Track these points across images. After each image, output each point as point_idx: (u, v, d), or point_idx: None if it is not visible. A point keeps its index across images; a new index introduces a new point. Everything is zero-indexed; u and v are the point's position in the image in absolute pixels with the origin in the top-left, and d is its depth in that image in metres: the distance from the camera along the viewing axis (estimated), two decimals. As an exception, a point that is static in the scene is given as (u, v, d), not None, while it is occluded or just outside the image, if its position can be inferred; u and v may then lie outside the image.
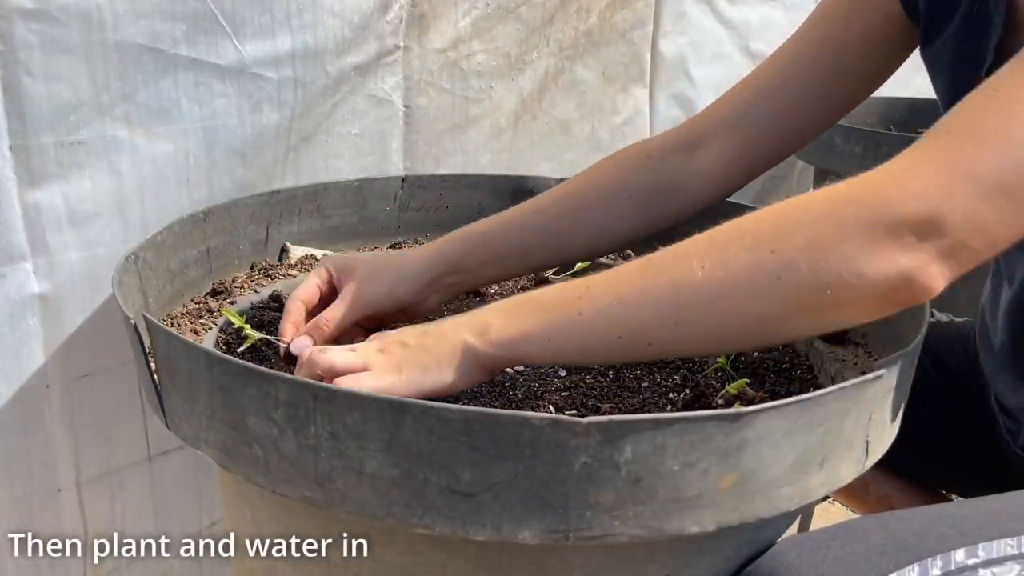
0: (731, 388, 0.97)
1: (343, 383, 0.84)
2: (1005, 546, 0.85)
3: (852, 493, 1.45)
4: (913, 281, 0.75)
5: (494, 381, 1.01)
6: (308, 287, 1.08)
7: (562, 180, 1.43)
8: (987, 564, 0.84)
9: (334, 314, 1.04)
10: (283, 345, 1.02)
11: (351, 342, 0.94)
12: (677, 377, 1.06)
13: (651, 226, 1.18)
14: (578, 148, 2.01)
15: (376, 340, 0.91)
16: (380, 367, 0.86)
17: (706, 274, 0.78)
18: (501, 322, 0.85)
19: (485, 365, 0.86)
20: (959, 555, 0.83)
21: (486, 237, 1.13)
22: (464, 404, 0.93)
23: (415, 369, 0.86)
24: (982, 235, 0.74)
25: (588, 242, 1.17)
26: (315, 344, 1.00)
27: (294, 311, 1.06)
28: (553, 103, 1.92)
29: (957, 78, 1.06)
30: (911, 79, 3.18)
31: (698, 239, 0.81)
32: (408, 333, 0.90)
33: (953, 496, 1.40)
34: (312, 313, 1.07)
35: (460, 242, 1.12)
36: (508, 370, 1.05)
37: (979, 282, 1.24)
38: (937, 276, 0.75)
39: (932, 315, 1.13)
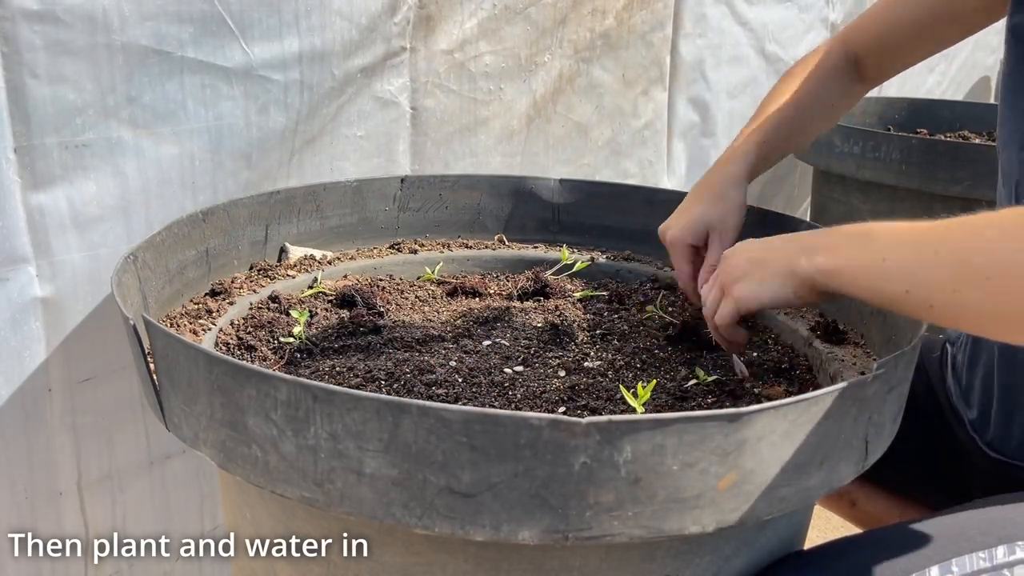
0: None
1: (717, 318, 1.05)
2: (977, 560, 0.86)
3: (836, 506, 1.46)
4: None
5: (493, 381, 1.01)
6: (685, 269, 1.27)
7: (562, 181, 1.44)
8: None
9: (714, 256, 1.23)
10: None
11: None
12: (677, 377, 1.05)
13: (826, 129, 1.47)
14: (597, 152, 2.01)
15: (720, 273, 1.07)
16: (728, 292, 1.03)
17: (992, 248, 0.79)
18: (825, 249, 0.94)
19: (814, 287, 0.94)
20: (934, 572, 0.86)
21: (774, 148, 1.34)
22: (463, 404, 0.93)
23: (752, 285, 1.00)
24: None
25: (801, 147, 1.43)
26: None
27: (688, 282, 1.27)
28: (569, 106, 1.92)
29: None
30: (922, 80, 3.19)
31: (996, 214, 0.82)
32: (743, 257, 1.04)
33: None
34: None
35: (757, 148, 1.31)
36: (507, 370, 1.05)
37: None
38: None
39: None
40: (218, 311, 1.17)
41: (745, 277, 1.01)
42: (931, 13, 1.28)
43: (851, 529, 1.41)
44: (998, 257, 0.78)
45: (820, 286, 0.94)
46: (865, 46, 1.37)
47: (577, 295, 1.34)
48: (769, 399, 0.97)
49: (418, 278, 1.40)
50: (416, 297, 1.30)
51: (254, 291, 1.25)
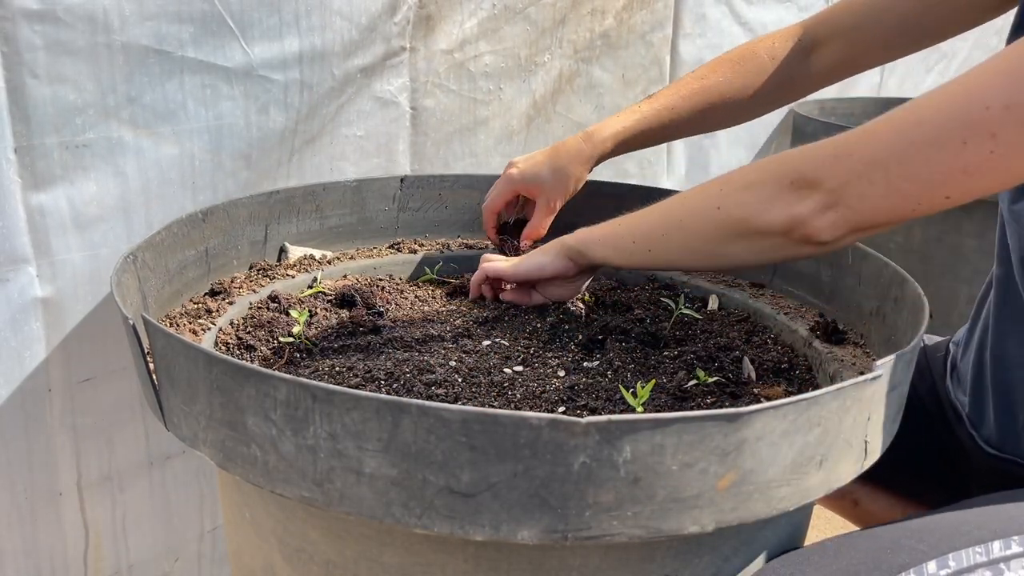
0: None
1: (490, 265, 1.27)
2: (974, 554, 0.86)
3: (837, 506, 1.47)
4: (803, 224, 0.94)
5: (493, 381, 1.01)
6: (497, 197, 1.43)
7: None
8: (958, 573, 0.85)
9: (541, 223, 1.42)
10: (495, 243, 1.46)
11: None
12: (676, 377, 1.05)
13: (761, 113, 1.45)
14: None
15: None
16: (509, 262, 1.26)
17: (682, 201, 1.08)
18: (585, 230, 1.17)
19: (567, 253, 1.18)
20: (931, 567, 0.85)
21: (634, 133, 1.40)
22: (463, 404, 0.93)
23: (524, 258, 1.23)
24: (857, 199, 0.91)
25: (708, 129, 1.47)
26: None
27: (490, 218, 1.45)
28: (569, 105, 1.92)
29: None
30: (921, 80, 3.19)
31: (700, 184, 1.08)
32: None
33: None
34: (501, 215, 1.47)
35: (614, 138, 1.39)
36: (507, 370, 1.05)
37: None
38: (822, 225, 0.93)
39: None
40: (218, 311, 1.17)
41: (522, 258, 1.24)
42: (920, 4, 1.27)
43: (852, 529, 1.41)
44: (689, 206, 1.06)
45: (576, 253, 1.17)
46: (829, 33, 1.35)
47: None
48: (769, 399, 0.97)
49: (419, 279, 1.40)
50: (416, 297, 1.30)
51: (254, 291, 1.25)
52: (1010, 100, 0.82)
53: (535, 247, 1.30)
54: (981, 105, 0.83)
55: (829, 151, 0.93)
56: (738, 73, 1.39)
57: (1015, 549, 0.87)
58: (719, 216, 1.01)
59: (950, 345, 1.35)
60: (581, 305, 1.28)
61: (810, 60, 1.37)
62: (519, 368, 1.06)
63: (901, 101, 2.60)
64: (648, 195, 1.45)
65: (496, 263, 1.26)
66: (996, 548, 0.87)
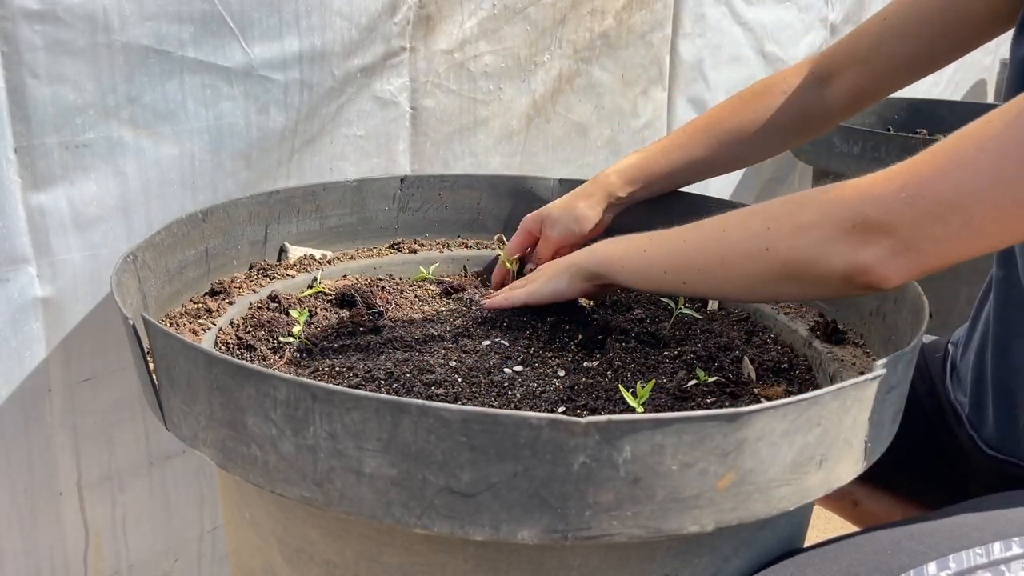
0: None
1: (504, 295, 1.24)
2: (974, 555, 0.86)
3: (838, 506, 1.47)
4: (869, 271, 0.87)
5: (493, 381, 1.01)
6: (515, 245, 1.39)
7: (562, 181, 1.44)
8: (959, 575, 0.85)
9: (540, 257, 1.37)
10: (495, 287, 1.38)
11: None
12: (676, 377, 1.06)
13: (779, 151, 1.43)
14: (597, 152, 2.02)
15: (534, 272, 1.27)
16: (525, 287, 1.23)
17: (724, 236, 1.00)
18: (604, 248, 1.14)
19: (583, 276, 1.15)
20: (931, 568, 0.85)
21: (644, 172, 1.39)
22: (463, 404, 0.93)
23: (540, 282, 1.20)
24: (931, 243, 0.85)
25: (724, 168, 1.42)
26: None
27: (500, 266, 1.40)
28: (569, 106, 1.93)
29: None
30: (922, 80, 3.19)
31: (733, 213, 1.02)
32: (551, 263, 1.24)
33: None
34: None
35: (621, 176, 1.39)
36: (507, 370, 1.05)
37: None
38: (891, 271, 0.87)
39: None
40: (218, 311, 1.17)
41: (535, 280, 1.22)
42: (932, 25, 1.24)
43: (852, 530, 1.41)
44: (731, 242, 0.99)
45: (593, 276, 1.14)
46: (845, 63, 1.33)
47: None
48: (768, 399, 0.97)
49: (417, 280, 1.40)
50: (416, 297, 1.31)
51: (254, 291, 1.25)
52: None
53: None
54: None
55: (897, 192, 0.85)
56: (749, 109, 1.37)
57: (1016, 551, 0.87)
58: (768, 257, 0.95)
59: (948, 345, 1.35)
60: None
61: (826, 92, 1.34)
62: (519, 368, 1.06)
63: (900, 102, 2.59)
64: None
65: (513, 295, 1.22)
66: (996, 549, 0.87)
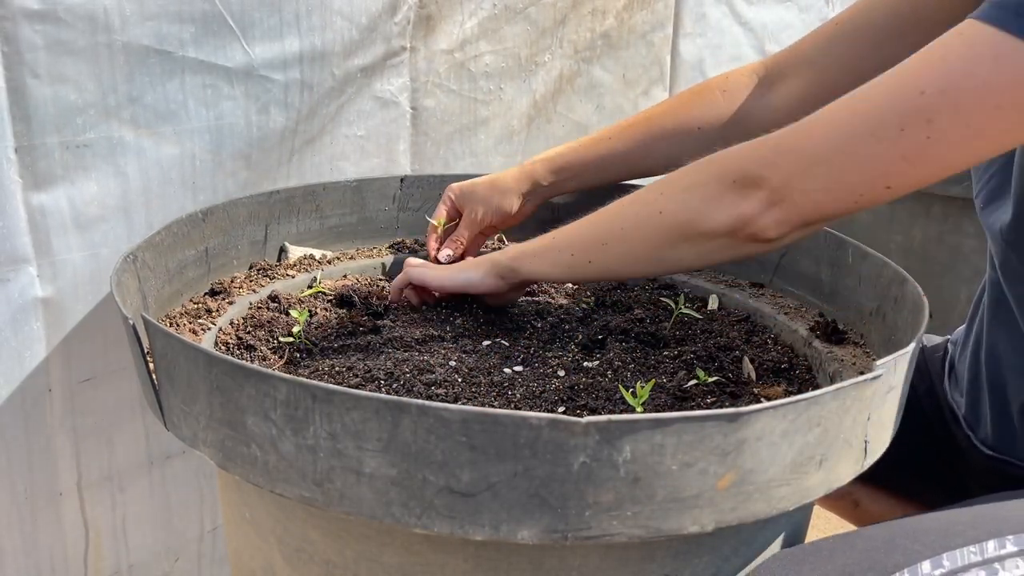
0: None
1: (402, 274, 1.23)
2: (968, 554, 0.86)
3: (838, 507, 1.47)
4: (748, 223, 0.95)
5: (493, 381, 1.01)
6: (437, 213, 1.39)
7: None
8: (953, 573, 0.85)
9: (461, 233, 1.38)
10: (432, 254, 1.37)
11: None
12: (676, 377, 1.06)
13: (712, 151, 1.33)
14: (597, 151, 2.01)
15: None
16: (438, 270, 1.22)
17: (622, 208, 1.06)
18: (517, 247, 1.16)
19: (498, 271, 1.16)
20: (925, 567, 0.85)
21: (568, 161, 1.38)
22: (463, 404, 0.93)
23: (454, 270, 1.20)
24: (800, 195, 0.93)
25: (656, 166, 1.35)
26: (454, 253, 1.36)
27: (432, 231, 1.39)
28: (570, 105, 1.92)
29: None
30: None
31: (638, 190, 1.09)
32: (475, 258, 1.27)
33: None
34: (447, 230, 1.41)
35: (545, 164, 1.38)
36: (507, 370, 1.05)
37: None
38: (768, 221, 0.94)
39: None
40: (218, 311, 1.17)
41: (451, 268, 1.22)
42: (886, 30, 1.23)
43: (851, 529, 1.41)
44: (628, 213, 1.05)
45: (507, 271, 1.15)
46: (793, 66, 1.30)
47: (577, 295, 1.34)
48: (768, 399, 0.97)
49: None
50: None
51: (254, 291, 1.25)
52: (945, 85, 0.85)
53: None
54: (916, 91, 0.86)
55: (770, 148, 0.93)
56: (685, 107, 1.35)
57: (1010, 548, 0.87)
58: (662, 221, 1.01)
59: (948, 345, 1.35)
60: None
61: (770, 95, 1.31)
62: (519, 368, 1.06)
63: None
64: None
65: (424, 270, 1.22)
66: (991, 548, 0.87)
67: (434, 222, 1.38)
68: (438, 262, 1.35)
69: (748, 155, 0.95)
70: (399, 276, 1.25)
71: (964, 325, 1.30)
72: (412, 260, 1.28)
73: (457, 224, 1.39)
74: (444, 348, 1.10)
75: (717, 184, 0.96)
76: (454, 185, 1.39)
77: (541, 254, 1.13)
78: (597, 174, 1.39)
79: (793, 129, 0.93)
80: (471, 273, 1.19)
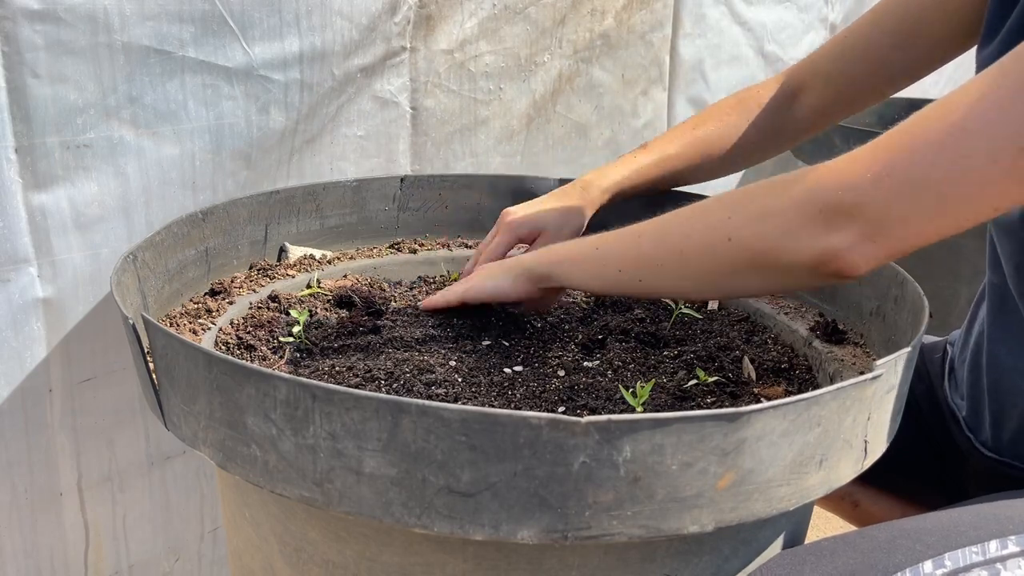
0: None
1: (442, 293, 1.19)
2: (970, 554, 0.86)
3: (838, 507, 1.47)
4: (838, 258, 0.85)
5: (493, 381, 1.01)
6: (498, 244, 1.29)
7: (562, 181, 1.44)
8: (955, 573, 0.85)
9: None
10: None
11: None
12: (676, 377, 1.06)
13: (752, 162, 1.42)
14: (597, 152, 2.01)
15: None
16: (467, 280, 1.17)
17: (682, 230, 0.98)
18: (555, 249, 1.11)
19: (530, 278, 1.10)
20: (927, 567, 0.85)
21: (628, 184, 1.37)
22: (463, 404, 0.93)
23: (484, 277, 1.14)
24: (900, 225, 0.83)
25: (703, 175, 1.41)
26: None
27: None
28: (569, 106, 1.92)
29: None
30: (923, 80, 3.18)
31: (692, 205, 0.99)
32: (504, 261, 1.18)
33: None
34: None
35: (611, 190, 1.36)
36: (507, 370, 1.05)
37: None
38: (860, 256, 0.85)
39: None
40: (218, 311, 1.17)
41: (478, 275, 1.16)
42: (889, 44, 1.25)
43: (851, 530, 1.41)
44: (689, 233, 0.96)
45: (541, 278, 1.09)
46: (810, 79, 1.34)
47: (577, 295, 1.34)
48: (768, 399, 0.97)
49: (408, 283, 1.40)
50: (416, 297, 1.30)
51: (254, 291, 1.25)
52: None
53: None
54: None
55: (865, 173, 0.84)
56: (729, 123, 1.37)
57: (1011, 548, 0.87)
58: (730, 249, 0.91)
59: (947, 346, 1.35)
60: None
61: (794, 107, 1.35)
62: (519, 368, 1.07)
63: (900, 102, 2.58)
64: (650, 195, 1.45)
65: (449, 291, 1.17)
66: (992, 548, 0.87)
67: (491, 255, 1.28)
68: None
69: (840, 181, 0.85)
70: (450, 291, 1.19)
71: (963, 327, 1.30)
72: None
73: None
74: (444, 348, 1.10)
75: (799, 214, 0.87)
76: (514, 215, 1.30)
77: (583, 263, 1.05)
78: (653, 190, 1.40)
79: (889, 148, 0.85)
80: (501, 281, 1.12)
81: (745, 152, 1.38)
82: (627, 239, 1.02)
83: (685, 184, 1.42)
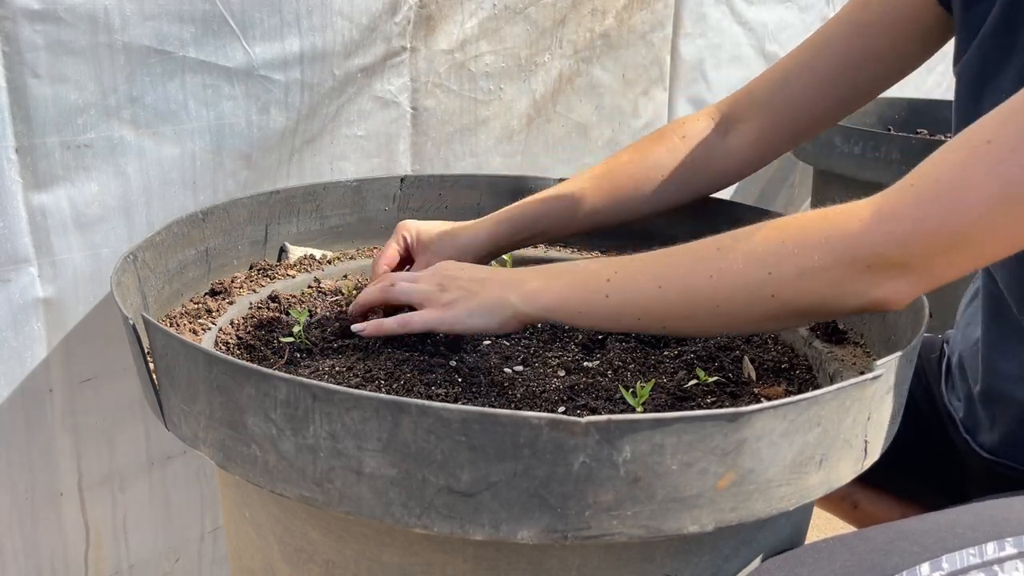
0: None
1: (401, 319, 1.03)
2: (968, 556, 0.86)
3: (837, 508, 1.47)
4: (886, 304, 0.86)
5: (493, 381, 1.01)
6: (390, 253, 1.22)
7: (562, 180, 1.44)
8: (952, 575, 0.85)
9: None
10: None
11: None
12: (676, 377, 1.05)
13: (679, 199, 1.31)
14: (597, 152, 2.01)
15: (436, 275, 1.05)
16: (434, 303, 1.02)
17: (713, 284, 0.90)
18: (542, 289, 0.98)
19: (520, 320, 0.99)
20: (924, 569, 0.85)
21: (532, 216, 1.27)
22: (463, 404, 0.93)
23: (462, 310, 1.00)
24: (947, 269, 0.84)
25: (623, 214, 1.31)
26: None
27: (380, 272, 1.20)
28: (569, 106, 1.92)
29: (978, 88, 1.10)
30: (922, 80, 3.19)
31: (709, 244, 0.92)
32: (464, 276, 1.04)
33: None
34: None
35: (508, 223, 1.27)
36: (507, 370, 1.05)
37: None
38: (905, 297, 0.86)
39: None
40: (218, 311, 1.17)
41: (455, 303, 1.02)
42: (842, 64, 1.21)
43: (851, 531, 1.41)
44: (724, 286, 0.89)
45: (532, 319, 0.99)
46: (747, 109, 1.29)
47: None
48: (768, 399, 0.97)
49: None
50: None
51: (254, 291, 1.25)
52: None
53: None
54: None
55: (909, 226, 0.83)
56: (647, 154, 1.30)
57: (1009, 551, 0.87)
58: (774, 303, 0.88)
59: (943, 345, 1.35)
60: None
61: (727, 139, 1.29)
62: (519, 368, 1.07)
63: (900, 102, 2.57)
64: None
65: (425, 314, 1.03)
66: (990, 550, 0.87)
67: (383, 263, 1.22)
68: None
69: (881, 235, 0.83)
70: (374, 289, 1.09)
71: (958, 328, 1.30)
72: (398, 275, 1.10)
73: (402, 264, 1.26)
74: (444, 348, 1.10)
75: (846, 269, 0.85)
76: (409, 225, 1.26)
77: (587, 310, 0.96)
78: (566, 227, 1.30)
79: (933, 195, 0.82)
80: (486, 319, 1.00)
81: (666, 188, 1.29)
82: (643, 284, 0.94)
83: (610, 221, 1.32)
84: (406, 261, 1.26)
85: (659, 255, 0.95)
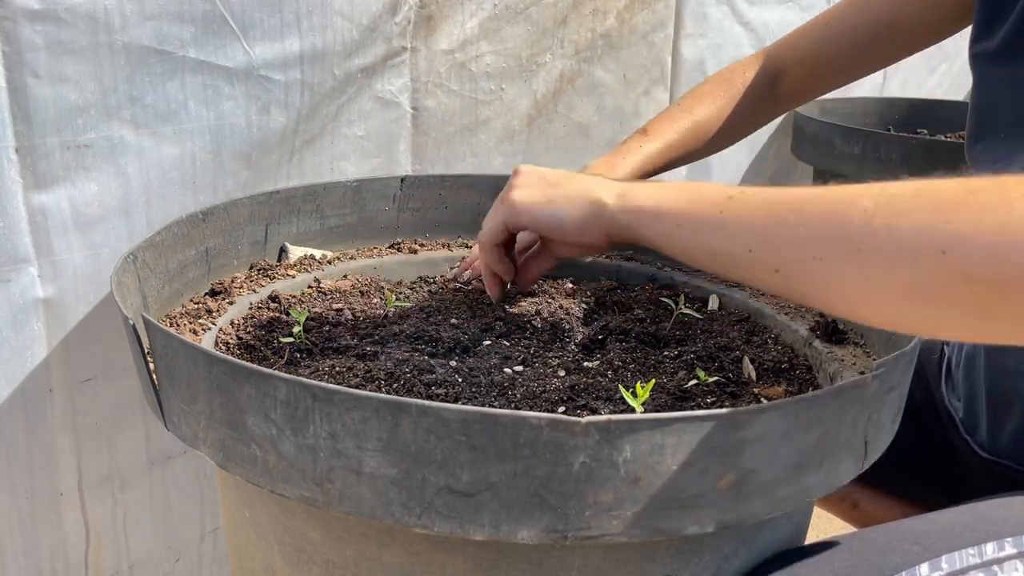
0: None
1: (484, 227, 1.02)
2: (967, 556, 0.86)
3: (837, 508, 1.47)
4: None
5: (493, 381, 1.01)
6: (495, 233, 1.06)
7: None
8: (951, 575, 0.85)
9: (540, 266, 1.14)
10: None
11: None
12: (676, 377, 1.05)
13: (733, 142, 1.46)
14: (599, 152, 2.01)
15: (528, 171, 1.02)
16: (521, 186, 0.98)
17: (867, 219, 0.68)
18: (642, 192, 0.86)
19: (606, 226, 0.89)
20: (923, 569, 0.85)
21: (638, 175, 1.33)
22: (463, 404, 0.93)
23: (544, 199, 0.95)
24: None
25: (696, 158, 1.43)
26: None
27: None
28: (570, 106, 1.92)
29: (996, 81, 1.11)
30: (923, 80, 3.19)
31: (873, 185, 0.71)
32: (553, 172, 1.00)
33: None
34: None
35: (632, 171, 1.32)
36: (507, 370, 1.05)
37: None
38: None
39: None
40: (218, 311, 1.17)
41: (528, 187, 0.95)
42: (870, 30, 1.30)
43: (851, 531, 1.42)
44: (876, 227, 0.67)
45: (622, 229, 0.87)
46: (791, 61, 1.39)
47: (577, 295, 1.34)
48: (769, 399, 0.97)
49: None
50: (417, 297, 1.30)
51: (254, 291, 1.25)
52: None
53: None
54: None
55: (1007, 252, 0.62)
56: (720, 105, 1.40)
57: (1008, 551, 0.87)
58: (937, 262, 0.64)
59: (943, 346, 1.35)
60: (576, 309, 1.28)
61: (776, 88, 1.41)
62: (519, 368, 1.06)
63: (900, 102, 2.59)
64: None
65: (504, 207, 0.98)
66: (989, 550, 0.87)
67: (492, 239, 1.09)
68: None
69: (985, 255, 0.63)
70: (490, 223, 1.01)
71: None
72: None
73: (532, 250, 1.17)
74: (444, 348, 1.10)
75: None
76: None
77: (692, 224, 0.80)
78: (654, 176, 1.39)
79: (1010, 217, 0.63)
80: (567, 213, 0.91)
81: (730, 133, 1.42)
82: (774, 209, 0.75)
83: (678, 166, 1.44)
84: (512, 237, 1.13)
85: (800, 188, 0.76)
